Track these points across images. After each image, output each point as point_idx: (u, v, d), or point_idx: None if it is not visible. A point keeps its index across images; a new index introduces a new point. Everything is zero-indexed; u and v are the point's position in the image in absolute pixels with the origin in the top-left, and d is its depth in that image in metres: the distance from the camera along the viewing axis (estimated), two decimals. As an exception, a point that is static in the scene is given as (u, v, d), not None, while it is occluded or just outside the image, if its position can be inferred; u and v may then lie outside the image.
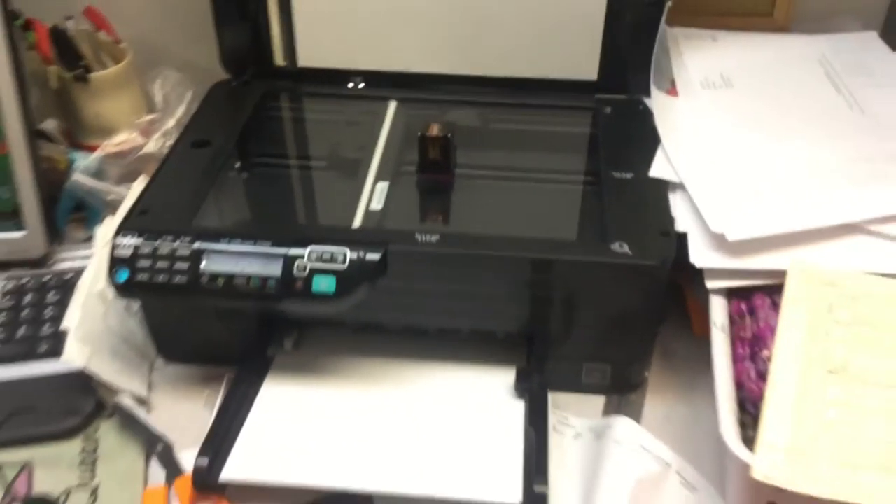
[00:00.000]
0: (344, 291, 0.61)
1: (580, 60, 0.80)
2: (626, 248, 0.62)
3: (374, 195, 0.70)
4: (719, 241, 0.63)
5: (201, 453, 0.60)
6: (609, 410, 0.68)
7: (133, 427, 0.65)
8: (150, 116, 0.84)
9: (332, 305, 0.61)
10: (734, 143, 0.71)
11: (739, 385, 0.60)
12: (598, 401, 0.69)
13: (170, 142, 0.82)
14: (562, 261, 0.61)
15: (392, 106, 0.80)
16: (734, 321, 0.64)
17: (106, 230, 0.74)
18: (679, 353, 0.73)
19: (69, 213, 0.82)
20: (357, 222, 0.67)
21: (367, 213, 0.68)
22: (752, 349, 0.62)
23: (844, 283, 0.62)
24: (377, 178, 0.71)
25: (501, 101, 0.81)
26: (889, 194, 0.65)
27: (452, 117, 0.75)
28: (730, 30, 0.85)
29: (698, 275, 0.65)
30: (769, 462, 0.53)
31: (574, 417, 0.67)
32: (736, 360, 0.62)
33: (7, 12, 0.70)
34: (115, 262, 0.62)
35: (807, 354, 0.58)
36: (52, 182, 0.80)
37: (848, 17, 0.87)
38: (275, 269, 0.61)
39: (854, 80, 0.77)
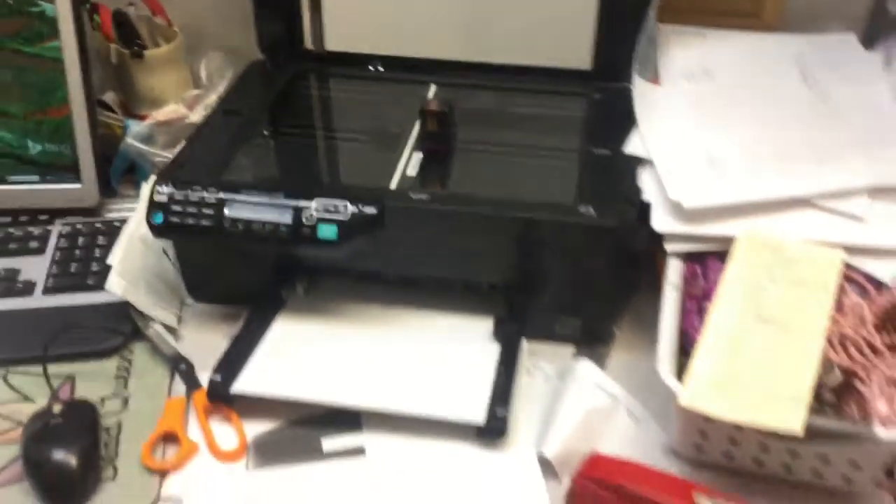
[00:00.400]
0: (345, 238, 0.70)
1: (577, 52, 0.89)
2: (591, 211, 0.70)
3: (409, 163, 0.79)
4: (677, 209, 0.71)
5: (216, 371, 0.71)
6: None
7: (161, 350, 0.76)
8: (195, 91, 0.95)
9: (334, 250, 0.71)
10: (704, 127, 0.79)
11: (686, 334, 0.68)
12: (570, 350, 0.77)
13: (212, 113, 0.93)
14: (534, 219, 0.70)
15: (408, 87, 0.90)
16: (688, 282, 0.72)
17: (151, 186, 0.85)
18: (650, 316, 0.80)
19: (122, 173, 0.94)
20: (394, 183, 0.76)
21: (403, 177, 0.78)
22: (700, 304, 0.69)
23: (786, 249, 0.69)
24: (413, 149, 0.81)
25: (505, 86, 0.90)
26: (837, 174, 0.72)
27: (460, 99, 0.84)
28: (720, 28, 0.93)
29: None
30: (694, 391, 0.61)
31: (546, 363, 0.76)
32: (685, 313, 0.70)
33: (77, 6, 0.82)
34: (152, 207, 0.73)
35: (742, 305, 0.66)
36: (108, 145, 0.91)
37: (832, 20, 0.93)
38: (286, 217, 0.71)
39: (825, 76, 0.84)
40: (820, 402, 0.63)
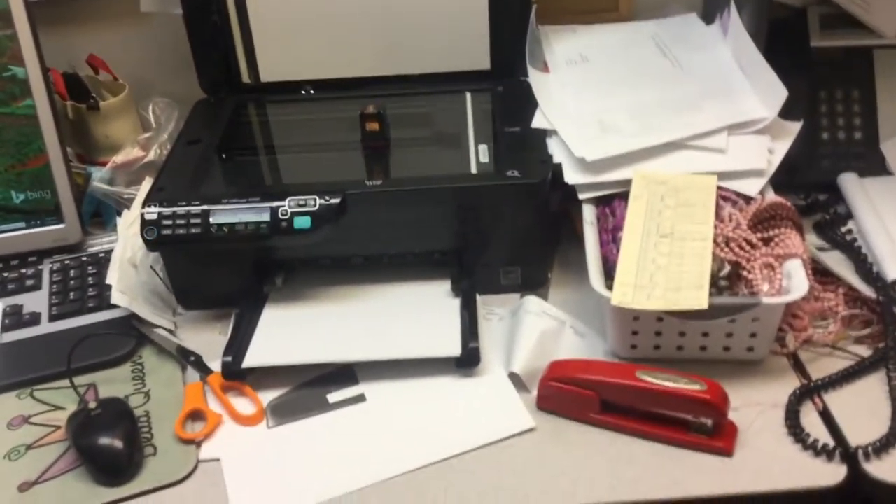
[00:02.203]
0: (317, 226, 0.84)
1: (477, 56, 1.05)
2: (516, 174, 0.86)
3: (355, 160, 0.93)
4: (582, 163, 0.88)
5: (225, 354, 0.83)
6: (522, 301, 0.92)
7: (167, 349, 0.87)
8: (147, 134, 1.06)
9: (310, 237, 0.84)
10: (590, 99, 0.97)
11: (606, 260, 0.84)
12: (515, 297, 0.92)
13: (165, 151, 1.04)
14: (470, 187, 0.86)
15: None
16: (600, 220, 0.89)
17: (125, 219, 0.96)
18: (572, 261, 0.96)
19: (90, 216, 1.04)
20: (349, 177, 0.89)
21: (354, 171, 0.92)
22: (613, 235, 0.86)
23: (672, 180, 0.87)
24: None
25: (421, 91, 1.05)
26: (699, 120, 0.91)
27: (386, 106, 0.99)
28: (587, 24, 1.12)
29: (578, 199, 0.90)
30: (621, 293, 0.77)
31: (497, 308, 0.91)
32: (602, 244, 0.86)
33: (44, 68, 0.93)
34: (146, 224, 0.84)
35: (645, 227, 0.83)
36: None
37: (675, 5, 1.14)
38: (265, 216, 0.84)
39: (677, 48, 1.04)
40: (718, 288, 0.80)
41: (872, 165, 1.01)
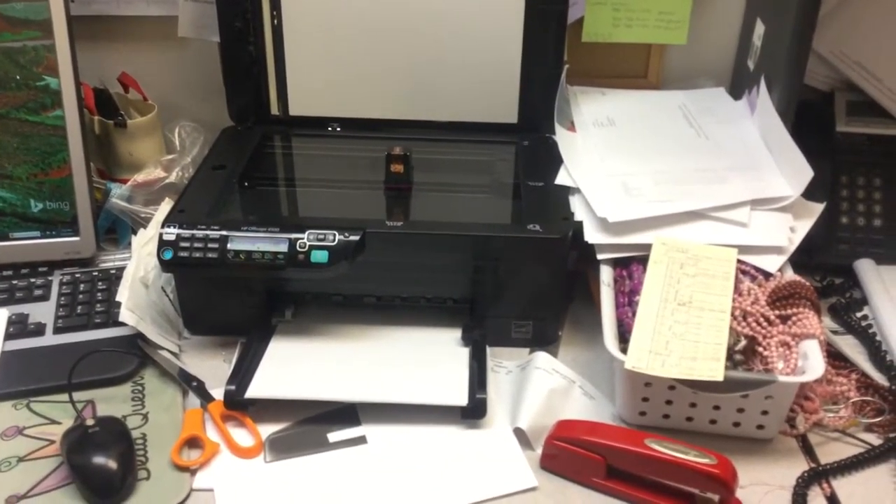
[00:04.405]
0: (334, 262, 0.83)
1: (505, 109, 1.06)
2: (538, 228, 0.86)
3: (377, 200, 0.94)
4: (604, 224, 0.88)
5: (229, 382, 0.81)
6: (532, 357, 0.91)
7: (170, 372, 0.85)
8: (170, 156, 1.06)
9: (325, 272, 0.83)
10: (615, 161, 0.97)
11: (621, 323, 0.84)
12: (524, 352, 0.91)
13: (186, 175, 1.05)
14: (491, 237, 0.85)
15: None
16: (617, 282, 0.88)
17: (140, 238, 0.95)
18: (584, 321, 0.96)
19: (104, 232, 1.04)
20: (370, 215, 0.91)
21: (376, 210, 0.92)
22: (629, 298, 0.86)
23: (692, 249, 0.86)
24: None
25: (446, 138, 1.06)
26: (722, 192, 0.91)
27: (410, 149, 0.99)
28: (615, 87, 1.13)
29: (595, 259, 0.90)
30: (636, 358, 0.76)
31: (506, 361, 0.90)
32: (618, 306, 0.85)
33: (78, 81, 0.94)
34: (163, 245, 0.84)
35: (663, 294, 0.82)
36: (92, 208, 1.01)
37: (703, 77, 1.15)
38: (283, 247, 0.83)
39: (703, 119, 1.05)
40: (733, 362, 0.79)
41: (890, 253, 1.01)
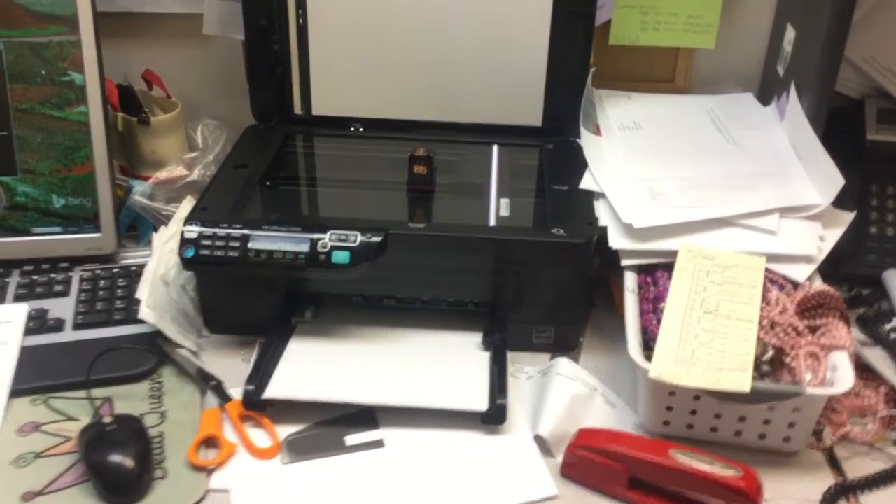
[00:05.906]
0: (355, 263, 0.82)
1: (529, 112, 1.05)
2: (562, 232, 0.85)
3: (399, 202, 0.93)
4: (629, 230, 0.87)
5: (248, 382, 0.81)
6: (553, 363, 0.90)
7: (188, 371, 0.85)
8: (193, 154, 1.06)
9: (346, 273, 0.83)
10: (641, 166, 0.96)
11: (645, 330, 0.82)
12: (545, 358, 0.90)
13: (208, 173, 1.04)
14: (514, 240, 0.84)
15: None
16: (642, 288, 0.87)
17: (161, 235, 0.95)
18: (606, 327, 0.94)
19: (125, 228, 1.03)
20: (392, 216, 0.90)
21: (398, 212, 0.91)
22: (654, 305, 0.84)
23: (719, 257, 0.85)
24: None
25: (469, 140, 1.05)
26: (750, 199, 0.89)
27: (433, 150, 0.98)
28: (642, 91, 1.11)
29: (618, 265, 0.88)
30: (660, 367, 0.75)
31: (527, 366, 0.89)
32: (642, 313, 0.84)
33: (102, 77, 0.93)
34: (184, 242, 0.84)
35: (689, 302, 0.81)
36: (113, 204, 1.01)
37: (731, 83, 1.14)
38: (304, 247, 0.83)
39: (732, 124, 1.03)
40: (760, 372, 0.78)
41: (920, 265, 0.99)
